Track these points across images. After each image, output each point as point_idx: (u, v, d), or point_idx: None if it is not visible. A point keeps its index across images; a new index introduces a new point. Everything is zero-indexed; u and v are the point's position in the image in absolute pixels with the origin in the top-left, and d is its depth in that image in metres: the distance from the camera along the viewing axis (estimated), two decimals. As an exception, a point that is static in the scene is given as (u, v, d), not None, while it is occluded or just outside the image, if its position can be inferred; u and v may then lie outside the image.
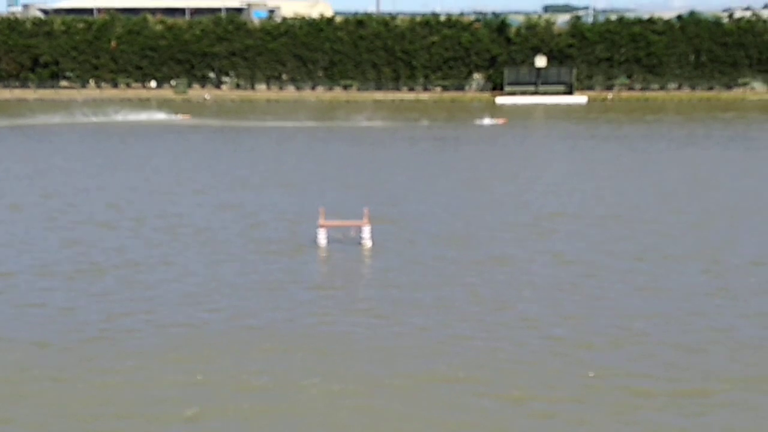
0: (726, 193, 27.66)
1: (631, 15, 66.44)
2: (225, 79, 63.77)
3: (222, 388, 12.37)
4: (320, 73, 63.05)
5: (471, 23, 64.45)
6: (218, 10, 68.75)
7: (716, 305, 16.04)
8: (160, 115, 50.93)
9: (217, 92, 62.66)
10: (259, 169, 33.82)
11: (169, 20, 64.02)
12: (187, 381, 12.75)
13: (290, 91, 63.62)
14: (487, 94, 62.27)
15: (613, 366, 12.93)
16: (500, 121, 50.09)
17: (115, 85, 62.74)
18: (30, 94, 61.23)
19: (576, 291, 17.14)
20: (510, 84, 61.60)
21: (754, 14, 63.44)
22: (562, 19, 66.95)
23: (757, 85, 62.19)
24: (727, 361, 13.08)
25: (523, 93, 61.11)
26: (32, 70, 62.34)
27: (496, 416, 11.70)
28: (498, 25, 63.59)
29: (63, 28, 62.91)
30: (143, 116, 50.56)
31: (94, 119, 49.58)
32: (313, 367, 13.07)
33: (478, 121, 49.54)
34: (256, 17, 68.48)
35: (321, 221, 21.04)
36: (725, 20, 63.30)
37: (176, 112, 52.46)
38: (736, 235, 21.73)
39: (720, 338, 14.15)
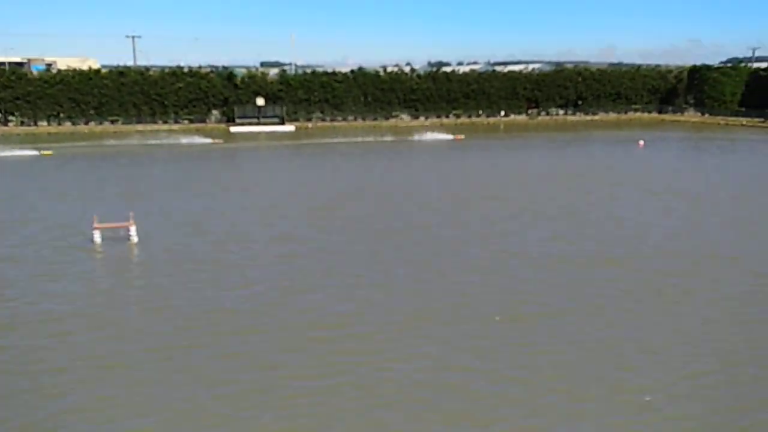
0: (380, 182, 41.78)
1: (320, 69, 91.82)
2: (11, 118, 79.17)
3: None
4: (92, 111, 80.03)
5: (207, 74, 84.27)
6: (2, 63, 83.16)
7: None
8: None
9: (4, 128, 77.73)
10: (48, 186, 38.69)
11: (-44, 72, 77.65)
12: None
13: (67, 126, 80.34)
14: (223, 125, 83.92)
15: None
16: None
17: None
18: None
19: (282, 250, 23.11)
20: (239, 117, 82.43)
21: (400, 69, 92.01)
22: (273, 72, 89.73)
23: (404, 116, 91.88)
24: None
25: (249, 123, 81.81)
26: None
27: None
28: (227, 75, 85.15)
29: None
30: None
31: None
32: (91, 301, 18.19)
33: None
34: (35, 69, 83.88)
35: (95, 225, 25.07)
36: (382, 73, 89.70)
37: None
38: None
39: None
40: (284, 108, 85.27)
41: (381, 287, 19.40)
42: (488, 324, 16.50)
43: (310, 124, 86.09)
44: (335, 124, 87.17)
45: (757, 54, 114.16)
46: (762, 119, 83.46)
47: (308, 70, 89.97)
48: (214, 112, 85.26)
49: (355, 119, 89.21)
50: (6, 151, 56.02)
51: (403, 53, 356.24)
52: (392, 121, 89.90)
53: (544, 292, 18.83)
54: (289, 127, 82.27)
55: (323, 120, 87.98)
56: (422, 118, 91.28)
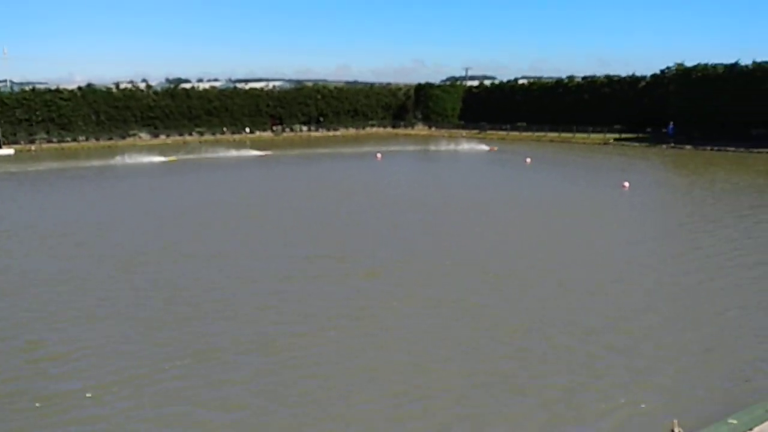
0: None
1: (43, 86, 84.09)
2: None
3: None
4: None
5: None
6: None
7: None
8: None
9: None
10: None
11: None
12: None
13: None
14: None
15: None
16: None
17: None
18: None
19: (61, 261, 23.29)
20: (-56, 141, 73.54)
21: (135, 86, 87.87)
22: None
23: (143, 135, 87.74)
24: None
25: (-42, 148, 73.60)
26: None
27: None
28: None
29: None
30: None
31: None
32: None
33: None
34: None
35: None
36: (114, 90, 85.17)
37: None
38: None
39: None
40: None
41: (123, 317, 18.10)
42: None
43: (33, 147, 77.89)
44: (63, 145, 79.94)
45: (470, 73, 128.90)
46: (477, 130, 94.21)
47: (28, 88, 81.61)
48: None
49: (87, 139, 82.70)
50: None
51: (137, 69, 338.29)
52: (129, 140, 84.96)
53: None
54: (7, 151, 73.86)
55: (49, 141, 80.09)
56: (163, 136, 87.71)
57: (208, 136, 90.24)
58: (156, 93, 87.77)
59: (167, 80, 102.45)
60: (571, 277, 19.89)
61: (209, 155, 67.58)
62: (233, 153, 69.41)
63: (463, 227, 28.51)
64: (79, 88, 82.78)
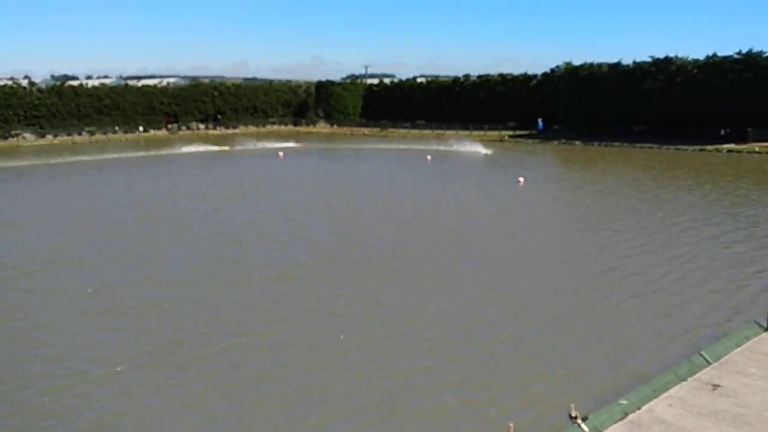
0: None
1: None
2: None
3: None
4: None
5: None
6: None
7: None
8: None
9: None
10: None
11: None
12: None
13: None
14: None
15: None
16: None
17: None
18: None
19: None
20: None
21: (16, 83, 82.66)
22: None
23: (27, 135, 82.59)
24: None
25: None
26: None
27: None
28: None
29: None
30: None
31: None
32: None
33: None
34: None
35: None
36: None
37: None
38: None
39: None
40: None
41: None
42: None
43: None
44: (-64, 147, 74.08)
45: (369, 71, 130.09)
46: (379, 128, 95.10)
47: None
48: None
49: (-36, 141, 77.10)
50: None
51: (17, 65, 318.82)
52: (12, 141, 79.86)
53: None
54: None
55: None
56: (50, 137, 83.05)
57: (99, 136, 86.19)
58: (40, 91, 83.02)
59: (52, 77, 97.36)
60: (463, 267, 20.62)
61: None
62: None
63: (370, 227, 28.82)
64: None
